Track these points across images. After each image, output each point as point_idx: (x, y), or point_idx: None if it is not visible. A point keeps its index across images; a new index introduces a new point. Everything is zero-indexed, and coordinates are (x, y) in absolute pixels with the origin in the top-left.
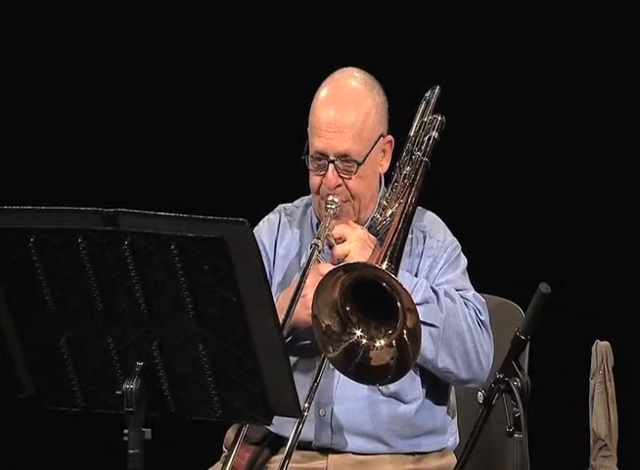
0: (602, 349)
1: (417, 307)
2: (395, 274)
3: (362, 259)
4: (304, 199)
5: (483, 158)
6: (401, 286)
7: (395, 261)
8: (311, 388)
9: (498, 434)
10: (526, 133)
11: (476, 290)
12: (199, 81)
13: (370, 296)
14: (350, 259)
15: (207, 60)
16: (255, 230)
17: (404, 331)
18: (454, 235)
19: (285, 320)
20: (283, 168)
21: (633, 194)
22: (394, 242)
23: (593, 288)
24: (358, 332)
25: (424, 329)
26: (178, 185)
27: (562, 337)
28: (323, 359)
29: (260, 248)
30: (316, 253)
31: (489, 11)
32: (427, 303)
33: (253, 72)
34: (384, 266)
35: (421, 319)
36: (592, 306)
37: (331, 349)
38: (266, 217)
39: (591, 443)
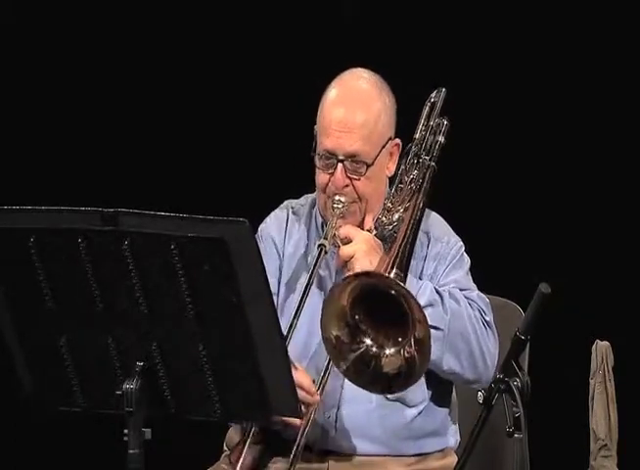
0: (602, 349)
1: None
2: (404, 282)
3: (367, 262)
4: (309, 197)
5: (484, 158)
6: (411, 295)
7: (404, 269)
8: (322, 378)
9: (498, 434)
10: (526, 134)
11: None
12: (199, 81)
13: (378, 302)
14: (356, 261)
15: (208, 59)
16: (264, 227)
17: (413, 341)
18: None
19: (290, 328)
20: (283, 168)
21: (633, 194)
22: (403, 249)
23: (593, 288)
24: (368, 340)
25: None
26: (178, 185)
27: (562, 337)
28: (328, 363)
29: (270, 244)
30: (322, 254)
31: (493, 12)
32: (431, 305)
33: (253, 72)
34: (392, 274)
35: None
36: (592, 306)
37: (342, 362)
38: (273, 214)
39: (591, 443)
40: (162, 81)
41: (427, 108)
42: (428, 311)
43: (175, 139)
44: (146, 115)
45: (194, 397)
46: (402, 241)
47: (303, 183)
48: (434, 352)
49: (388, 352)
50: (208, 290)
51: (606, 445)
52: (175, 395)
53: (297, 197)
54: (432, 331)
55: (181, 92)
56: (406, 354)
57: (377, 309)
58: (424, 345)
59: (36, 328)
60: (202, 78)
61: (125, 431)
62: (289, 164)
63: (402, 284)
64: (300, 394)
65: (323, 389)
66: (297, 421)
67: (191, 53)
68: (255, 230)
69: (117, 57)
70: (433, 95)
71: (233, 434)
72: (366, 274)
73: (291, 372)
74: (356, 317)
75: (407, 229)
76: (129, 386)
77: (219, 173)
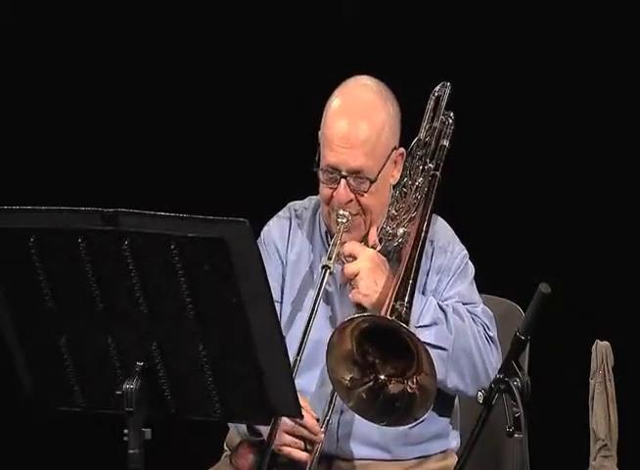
0: (602, 349)
1: (426, 329)
2: (409, 311)
3: (372, 281)
4: (313, 199)
5: (484, 158)
6: (418, 339)
7: (409, 298)
8: (326, 414)
9: (498, 434)
10: (526, 133)
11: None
12: (199, 81)
13: (383, 334)
14: (360, 280)
15: (207, 59)
16: (266, 231)
17: (416, 381)
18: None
19: (299, 351)
20: (284, 168)
21: (633, 194)
22: (407, 277)
23: (593, 288)
24: (376, 370)
25: (433, 352)
26: (178, 185)
27: (562, 337)
28: (331, 398)
29: (273, 250)
30: (327, 275)
31: (494, 10)
32: (435, 324)
33: (253, 71)
34: (397, 306)
35: (431, 342)
36: (592, 306)
37: (353, 397)
38: (276, 218)
39: (591, 443)
40: (163, 82)
41: (431, 102)
42: (432, 330)
43: (175, 139)
44: (146, 115)
45: (194, 397)
46: (407, 266)
47: (305, 183)
48: (440, 371)
49: (394, 379)
50: (208, 290)
51: (606, 445)
52: (175, 395)
53: (300, 197)
54: (436, 351)
55: (181, 92)
56: (409, 390)
57: (383, 338)
58: (427, 391)
59: (36, 328)
60: (201, 78)
61: (125, 431)
62: (289, 164)
63: (406, 326)
64: (304, 433)
65: (327, 425)
66: (304, 457)
67: (191, 53)
68: (256, 231)
69: (117, 57)
70: (437, 89)
71: (233, 434)
72: (366, 318)
73: (291, 372)
74: (363, 353)
75: (412, 252)
76: (129, 386)
77: (219, 173)
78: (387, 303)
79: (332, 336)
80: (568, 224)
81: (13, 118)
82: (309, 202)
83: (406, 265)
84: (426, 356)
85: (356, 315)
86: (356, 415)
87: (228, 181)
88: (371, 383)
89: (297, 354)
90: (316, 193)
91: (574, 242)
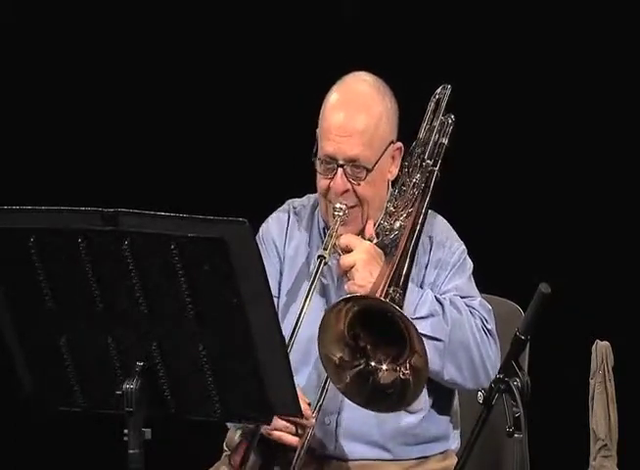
0: (602, 349)
1: (422, 321)
2: (403, 298)
3: (367, 273)
4: (311, 197)
5: (484, 158)
6: (409, 320)
7: (404, 283)
8: (319, 399)
9: (498, 434)
10: (526, 133)
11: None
12: (199, 81)
13: (376, 318)
14: (356, 272)
15: (208, 59)
16: (265, 228)
17: (409, 365)
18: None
19: (292, 338)
20: (284, 168)
21: (633, 194)
22: (402, 264)
23: (593, 288)
24: (367, 356)
25: (429, 343)
26: (178, 185)
27: (562, 337)
28: (325, 383)
29: (271, 246)
30: (322, 265)
31: (494, 10)
32: (432, 316)
33: (253, 71)
34: (391, 291)
35: (427, 333)
36: (592, 306)
37: (343, 380)
38: (275, 214)
39: (591, 443)
40: (162, 81)
41: (432, 104)
42: (428, 322)
43: (175, 139)
44: (146, 115)
45: (194, 397)
46: (402, 254)
47: (304, 183)
48: (436, 362)
49: (385, 367)
50: (208, 290)
51: (606, 445)
52: (175, 395)
53: (299, 197)
54: (432, 342)
55: (181, 92)
56: (401, 376)
57: (375, 324)
58: (420, 373)
59: (36, 328)
60: (202, 78)
61: (125, 431)
62: (289, 164)
63: (398, 308)
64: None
65: (320, 410)
66: (295, 441)
67: (191, 53)
68: (256, 230)
69: (117, 57)
70: (438, 91)
71: (233, 434)
72: (361, 298)
73: (291, 372)
74: (355, 336)
75: (408, 241)
76: (129, 386)
77: (219, 173)
78: (380, 287)
79: (325, 315)
80: (568, 224)
81: (13, 118)
82: (308, 200)
83: (401, 253)
84: (417, 336)
85: (350, 295)
86: (355, 415)
87: (228, 181)
88: (361, 366)
89: (290, 339)
90: (315, 192)
91: (574, 242)
